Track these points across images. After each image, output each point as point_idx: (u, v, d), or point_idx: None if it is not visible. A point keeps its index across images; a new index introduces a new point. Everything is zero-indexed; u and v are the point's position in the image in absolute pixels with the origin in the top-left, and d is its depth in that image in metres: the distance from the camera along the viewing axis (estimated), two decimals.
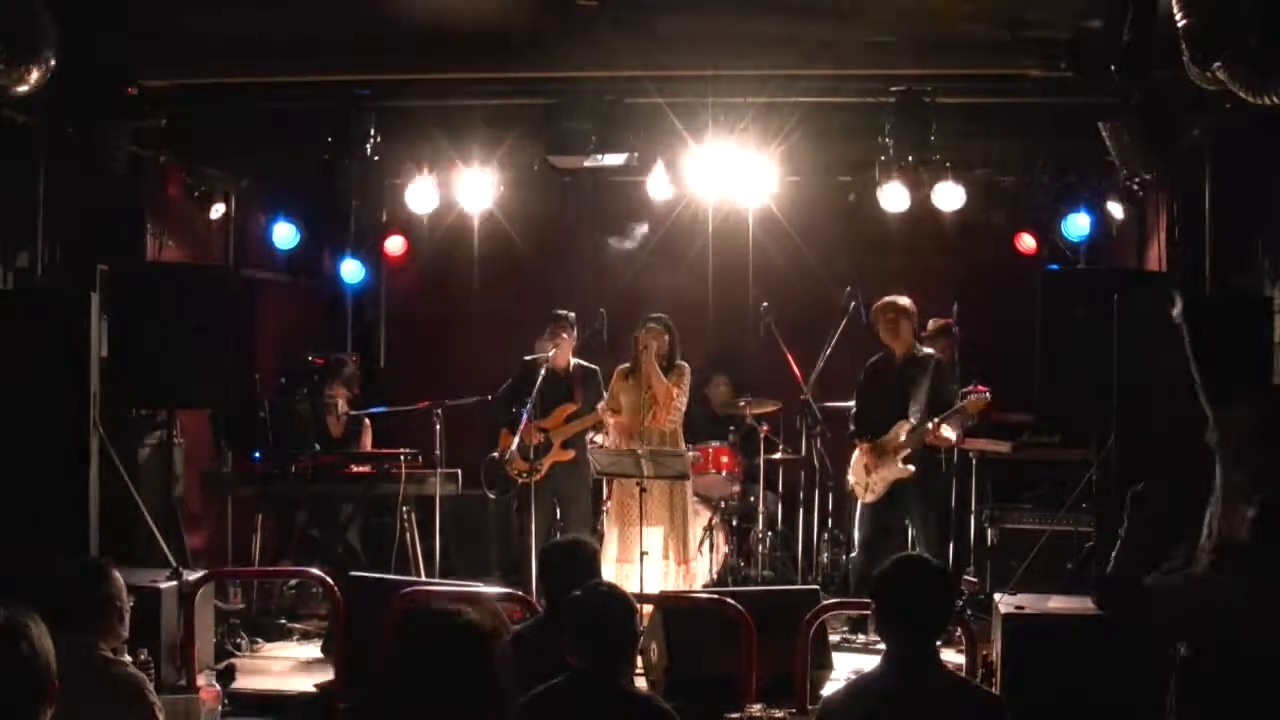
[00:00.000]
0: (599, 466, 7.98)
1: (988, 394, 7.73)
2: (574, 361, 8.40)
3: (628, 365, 8.19)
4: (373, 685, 2.88)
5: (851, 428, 8.21)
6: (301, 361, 9.30)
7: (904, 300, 7.95)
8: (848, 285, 8.75)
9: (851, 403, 8.26)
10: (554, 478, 8.20)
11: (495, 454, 8.36)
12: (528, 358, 8.30)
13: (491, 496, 8.54)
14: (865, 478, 7.96)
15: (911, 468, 7.77)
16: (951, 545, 8.40)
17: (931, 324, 8.70)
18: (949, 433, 7.89)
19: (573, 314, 8.38)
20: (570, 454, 8.28)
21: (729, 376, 9.62)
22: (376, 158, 8.14)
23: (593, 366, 8.44)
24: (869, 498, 7.95)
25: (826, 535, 9.25)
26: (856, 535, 8.12)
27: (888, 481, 7.85)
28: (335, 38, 7.20)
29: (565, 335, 8.26)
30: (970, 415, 7.95)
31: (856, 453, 8.07)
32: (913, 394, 7.84)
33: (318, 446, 8.59)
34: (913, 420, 7.78)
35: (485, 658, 2.75)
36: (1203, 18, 5.02)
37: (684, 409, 8.13)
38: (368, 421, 8.91)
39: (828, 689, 6.07)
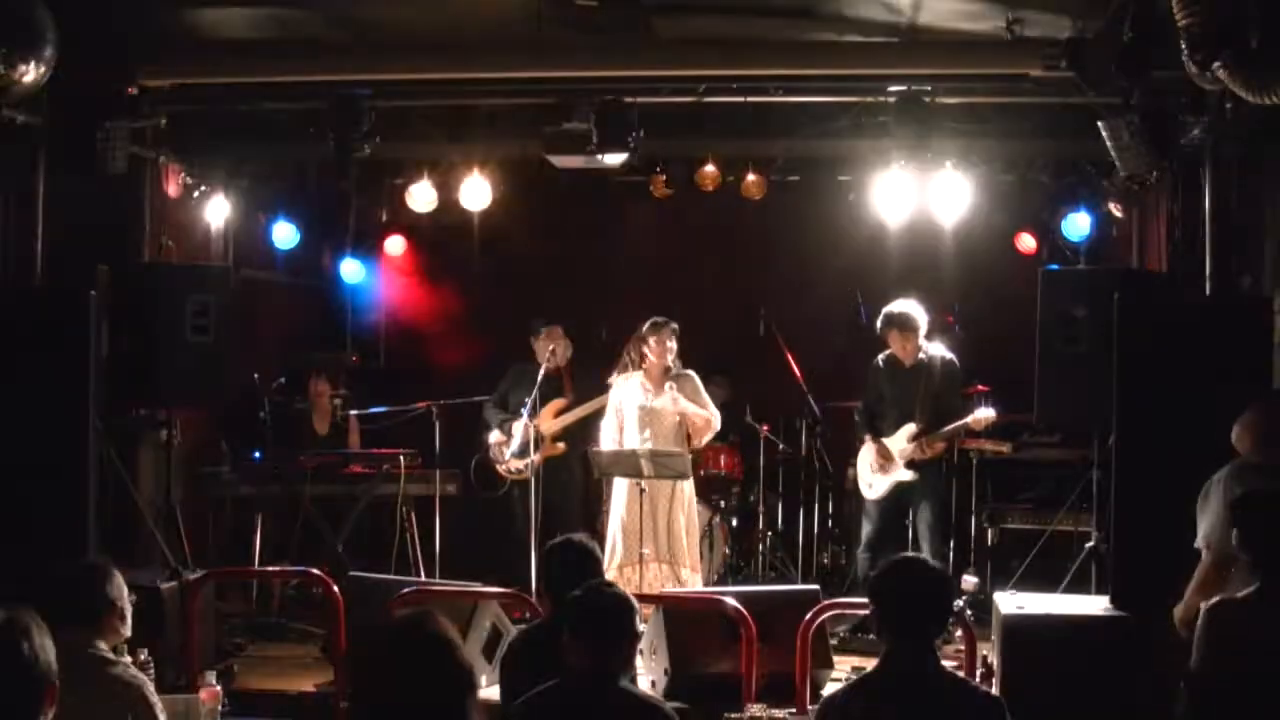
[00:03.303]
0: (600, 468, 7.97)
1: (994, 413, 7.74)
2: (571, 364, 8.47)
3: (639, 373, 7.87)
4: (356, 694, 2.90)
5: (857, 419, 8.20)
6: (301, 361, 9.30)
7: (916, 312, 7.92)
8: (848, 286, 8.75)
9: (856, 401, 8.24)
10: (546, 473, 8.22)
11: (485, 453, 8.40)
12: (518, 367, 8.33)
13: (484, 495, 8.56)
14: (870, 475, 7.96)
15: (914, 474, 7.78)
16: (951, 545, 8.40)
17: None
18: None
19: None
20: (561, 448, 8.35)
21: (728, 377, 9.61)
22: (377, 158, 8.13)
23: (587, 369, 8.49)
24: (873, 495, 7.96)
25: (827, 535, 9.25)
26: (864, 531, 8.12)
27: (892, 482, 7.86)
28: (335, 38, 7.19)
29: (564, 335, 8.32)
30: (973, 431, 7.95)
31: (864, 449, 8.07)
32: (921, 400, 7.83)
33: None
34: (916, 427, 7.78)
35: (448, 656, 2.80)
36: (1203, 18, 5.01)
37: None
38: (354, 419, 8.89)
39: (828, 689, 6.06)
